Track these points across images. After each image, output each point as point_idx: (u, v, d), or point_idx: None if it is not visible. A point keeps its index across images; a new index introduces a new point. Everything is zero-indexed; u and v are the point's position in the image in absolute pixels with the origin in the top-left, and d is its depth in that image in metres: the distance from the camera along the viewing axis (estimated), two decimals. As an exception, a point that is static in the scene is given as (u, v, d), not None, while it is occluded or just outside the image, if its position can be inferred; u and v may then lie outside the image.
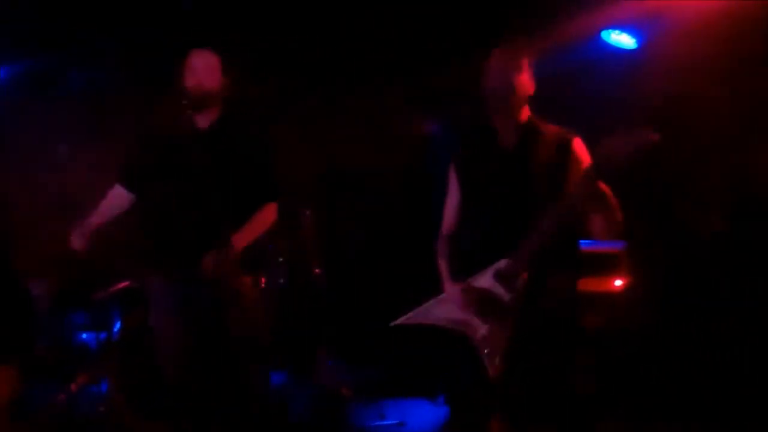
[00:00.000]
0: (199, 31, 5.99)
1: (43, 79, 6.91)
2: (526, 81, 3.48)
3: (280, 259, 5.90)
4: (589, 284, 5.35)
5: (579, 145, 3.46)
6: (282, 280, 5.89)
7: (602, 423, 3.57)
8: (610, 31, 5.88)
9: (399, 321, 3.66)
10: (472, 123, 3.72)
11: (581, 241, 3.53)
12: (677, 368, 5.21)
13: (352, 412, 5.68)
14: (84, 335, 7.02)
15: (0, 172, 6.85)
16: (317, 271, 5.99)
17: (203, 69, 4.02)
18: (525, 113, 3.53)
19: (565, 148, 3.44)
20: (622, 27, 5.84)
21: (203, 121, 4.09)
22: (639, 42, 5.83)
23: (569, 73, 5.88)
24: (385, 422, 5.64)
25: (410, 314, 3.64)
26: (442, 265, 3.65)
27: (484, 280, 3.43)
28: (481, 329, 3.44)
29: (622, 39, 5.87)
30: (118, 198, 4.26)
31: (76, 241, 4.18)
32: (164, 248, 4.09)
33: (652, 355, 5.30)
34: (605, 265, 5.49)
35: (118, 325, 6.51)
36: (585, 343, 3.59)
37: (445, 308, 3.56)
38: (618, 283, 5.53)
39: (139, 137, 4.24)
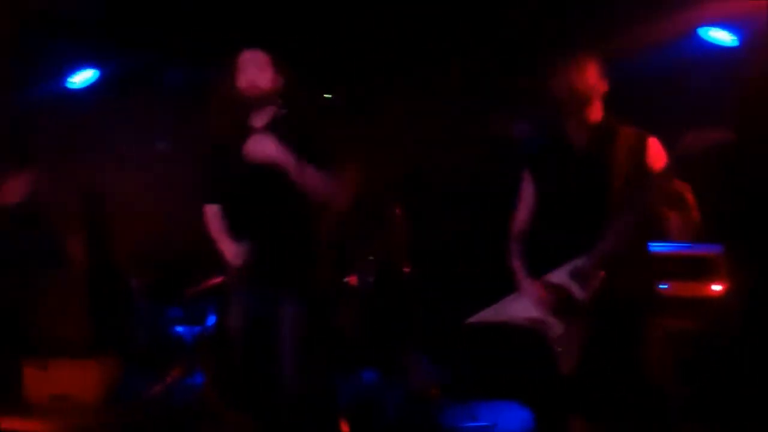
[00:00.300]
0: (283, 31, 6.08)
1: (141, 78, 7.06)
2: (597, 83, 3.47)
3: (370, 258, 5.93)
4: (686, 289, 5.26)
5: (655, 146, 3.44)
6: (371, 279, 5.91)
7: (688, 425, 3.51)
8: (708, 28, 5.76)
9: (474, 318, 3.67)
10: (547, 124, 3.70)
11: (676, 245, 3.49)
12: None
13: (443, 413, 5.67)
14: (179, 329, 7.17)
15: (100, 169, 7.05)
16: (406, 269, 6.00)
17: (254, 68, 3.93)
18: (598, 114, 3.51)
19: (641, 149, 3.41)
20: (721, 24, 5.71)
21: (259, 120, 4.00)
22: (739, 39, 5.69)
23: (666, 71, 5.79)
24: (477, 423, 5.62)
25: (485, 312, 3.65)
26: (517, 264, 3.64)
27: (560, 278, 3.43)
28: (556, 327, 3.44)
29: (721, 36, 5.74)
30: (217, 217, 4.20)
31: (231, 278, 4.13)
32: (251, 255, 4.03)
33: (750, 360, 5.19)
34: (703, 270, 5.38)
35: (212, 320, 6.64)
36: (669, 342, 3.53)
37: (520, 306, 3.57)
38: (716, 287, 5.42)
39: (206, 152, 4.18)
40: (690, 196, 3.28)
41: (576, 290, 3.38)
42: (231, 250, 4.01)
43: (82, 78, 6.69)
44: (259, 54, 3.96)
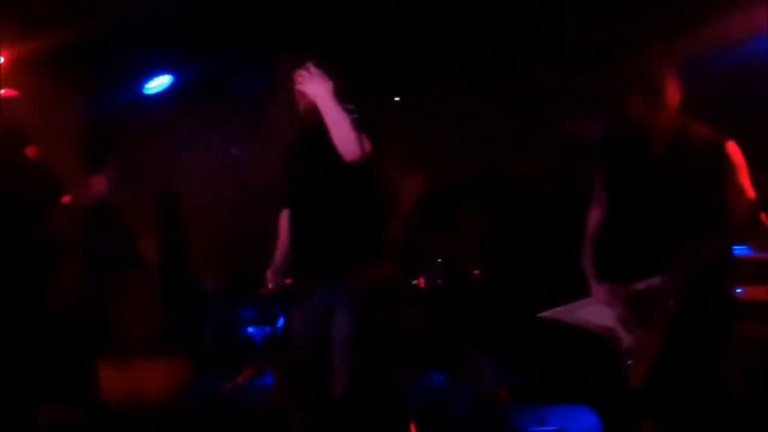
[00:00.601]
0: (354, 35, 6.13)
1: (215, 83, 7.17)
2: (675, 87, 3.44)
3: (439, 260, 5.94)
4: (761, 293, 5.18)
5: (733, 149, 3.39)
6: (440, 281, 5.93)
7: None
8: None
9: (546, 314, 3.67)
10: (622, 128, 3.68)
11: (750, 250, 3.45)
12: None
13: (511, 416, 5.66)
14: (250, 329, 7.26)
15: (174, 171, 7.18)
16: (476, 272, 6.00)
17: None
18: (674, 117, 3.48)
19: (718, 153, 3.37)
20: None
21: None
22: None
23: (740, 71, 5.71)
24: (546, 428, 5.60)
25: (558, 310, 3.65)
26: (588, 267, 3.63)
27: (638, 290, 3.40)
28: (627, 339, 3.42)
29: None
30: (284, 222, 4.32)
31: (273, 282, 4.28)
32: (303, 257, 4.13)
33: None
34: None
35: (281, 321, 6.71)
36: (745, 351, 3.50)
37: (592, 311, 3.55)
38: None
39: (281, 158, 4.27)
40: None
41: (651, 306, 3.37)
42: (278, 267, 4.24)
43: (158, 84, 6.81)
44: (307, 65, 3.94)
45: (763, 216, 3.18)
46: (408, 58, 6.74)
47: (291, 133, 4.15)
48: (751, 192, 3.33)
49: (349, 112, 3.97)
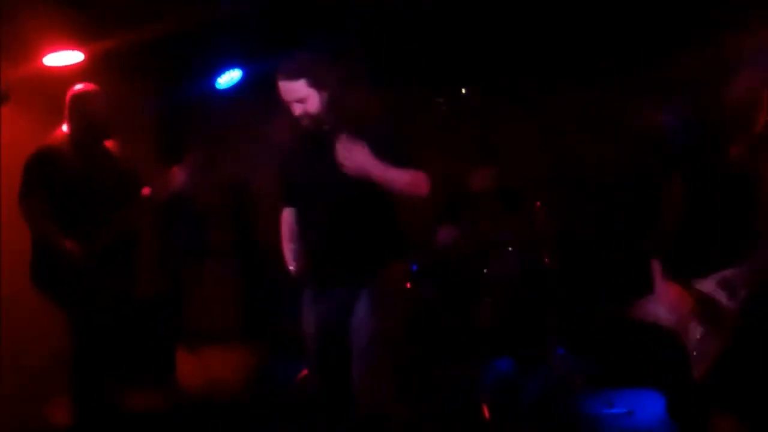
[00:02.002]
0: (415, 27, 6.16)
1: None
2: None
3: (510, 249, 5.97)
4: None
5: None
6: (511, 268, 5.97)
7: None
8: None
9: (616, 312, 3.69)
10: (701, 122, 3.66)
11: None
12: None
13: (581, 401, 5.68)
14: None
15: (245, 163, 7.30)
16: (547, 260, 6.03)
17: (295, 101, 3.89)
18: (761, 124, 3.44)
19: None
20: None
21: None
22: None
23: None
24: (614, 411, 5.62)
25: (629, 306, 3.67)
26: (656, 265, 3.64)
27: (707, 285, 3.43)
28: (695, 332, 3.43)
29: None
30: (288, 221, 4.35)
31: (293, 269, 4.27)
32: (316, 259, 4.09)
33: None
34: None
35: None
36: None
37: (662, 305, 3.56)
38: None
39: (285, 157, 4.22)
40: None
41: (721, 298, 3.38)
42: (289, 255, 4.22)
43: (229, 78, 6.94)
44: (292, 84, 3.87)
45: None
46: (477, 48, 6.76)
47: (301, 133, 4.02)
48: None
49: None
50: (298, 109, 3.90)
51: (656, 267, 3.64)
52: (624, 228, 5.95)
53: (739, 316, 3.34)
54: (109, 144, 4.97)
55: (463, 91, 7.18)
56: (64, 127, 4.83)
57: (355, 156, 3.64)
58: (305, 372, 6.36)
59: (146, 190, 4.93)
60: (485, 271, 5.96)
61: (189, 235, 7.29)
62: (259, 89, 7.27)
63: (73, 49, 5.55)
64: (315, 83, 3.86)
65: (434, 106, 6.16)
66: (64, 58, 5.54)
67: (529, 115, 7.25)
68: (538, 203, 6.09)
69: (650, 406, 5.44)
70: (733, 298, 3.35)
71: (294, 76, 3.86)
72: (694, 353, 3.43)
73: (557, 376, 5.66)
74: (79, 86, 4.88)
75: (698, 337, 3.43)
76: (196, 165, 5.04)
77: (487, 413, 5.45)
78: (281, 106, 3.98)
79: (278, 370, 6.49)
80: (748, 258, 3.30)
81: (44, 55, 5.48)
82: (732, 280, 3.35)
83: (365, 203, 3.89)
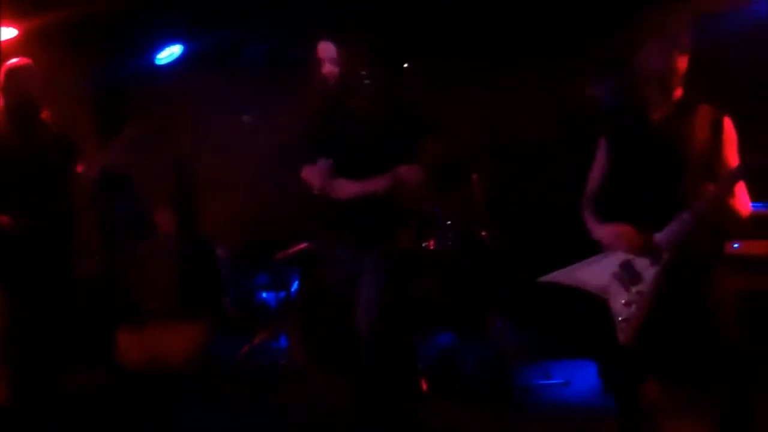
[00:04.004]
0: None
1: (227, 52, 7.23)
2: (684, 61, 3.50)
3: (448, 222, 6.02)
4: (757, 247, 5.24)
5: (729, 124, 3.47)
6: (450, 243, 6.01)
7: (759, 385, 3.53)
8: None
9: (545, 278, 3.75)
10: (626, 93, 3.74)
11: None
12: None
13: (519, 372, 5.76)
14: (264, 294, 7.37)
15: (188, 139, 7.27)
16: (484, 233, 6.08)
17: (328, 60, 4.24)
18: (679, 90, 3.55)
19: (718, 126, 3.45)
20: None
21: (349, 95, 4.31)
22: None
23: (727, 41, 5.72)
24: (550, 381, 5.71)
25: (556, 273, 3.73)
26: (590, 220, 3.71)
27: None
28: (620, 297, 3.50)
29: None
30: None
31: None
32: (337, 217, 4.31)
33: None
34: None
35: (296, 285, 6.82)
36: (739, 301, 3.56)
37: (589, 273, 3.63)
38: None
39: (308, 116, 4.48)
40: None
41: (645, 264, 3.45)
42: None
43: (169, 53, 6.90)
44: (328, 45, 4.24)
45: (740, 186, 3.31)
46: (416, 23, 6.78)
47: (319, 101, 4.35)
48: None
49: (362, 78, 4.17)
50: (327, 70, 4.25)
51: (591, 221, 3.70)
52: (562, 198, 6.02)
53: (661, 280, 3.41)
54: (45, 118, 4.92)
55: (405, 65, 7.21)
56: (-1, 102, 4.79)
57: (348, 189, 4.18)
58: (246, 348, 6.41)
59: (81, 166, 4.89)
60: (424, 244, 5.99)
61: (129, 212, 7.24)
62: (200, 65, 7.31)
63: (7, 25, 5.48)
64: (347, 49, 4.26)
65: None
66: (-1, 33, 5.48)
67: (468, 89, 7.29)
68: (475, 176, 6.13)
69: (586, 376, 5.54)
70: (657, 262, 3.42)
71: (331, 38, 4.26)
72: (619, 319, 3.50)
73: (495, 348, 5.72)
74: (13, 61, 4.84)
75: (622, 302, 3.50)
76: (133, 140, 5.01)
77: (425, 386, 5.51)
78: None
79: (220, 347, 6.50)
80: (671, 222, 3.38)
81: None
82: (655, 244, 3.42)
83: (379, 169, 4.21)
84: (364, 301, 4.19)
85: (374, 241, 4.22)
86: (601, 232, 3.63)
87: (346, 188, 4.19)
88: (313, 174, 4.26)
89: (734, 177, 3.32)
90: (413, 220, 4.34)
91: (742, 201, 3.45)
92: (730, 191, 3.35)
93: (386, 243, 4.24)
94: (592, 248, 3.72)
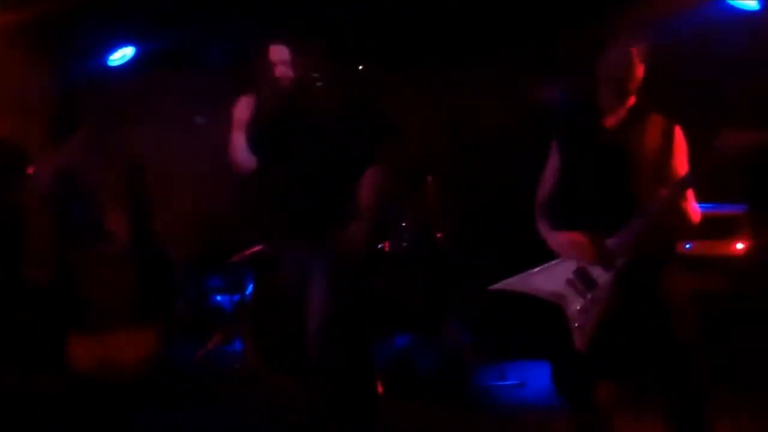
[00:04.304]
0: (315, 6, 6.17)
1: (180, 54, 7.18)
2: (641, 70, 3.53)
3: (403, 224, 6.03)
4: (709, 247, 5.33)
5: (680, 133, 3.52)
6: (405, 245, 6.02)
7: (714, 384, 3.58)
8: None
9: (498, 286, 3.76)
10: (580, 97, 3.77)
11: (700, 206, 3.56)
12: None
13: (474, 373, 5.79)
14: (219, 298, 7.34)
15: (140, 143, 7.21)
16: (439, 235, 6.09)
17: (281, 63, 4.20)
18: (633, 98, 3.58)
19: (669, 135, 3.50)
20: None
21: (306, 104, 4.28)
22: (762, 3, 5.72)
23: (691, 35, 5.81)
24: (506, 382, 5.75)
25: (509, 280, 3.74)
26: (544, 228, 3.72)
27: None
28: (575, 303, 3.53)
29: (745, 0, 5.79)
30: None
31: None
32: (287, 220, 4.30)
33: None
34: (726, 229, 5.45)
35: (250, 288, 6.80)
36: (693, 301, 3.60)
37: (543, 279, 3.65)
38: (739, 246, 5.50)
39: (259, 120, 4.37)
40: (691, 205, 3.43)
41: (598, 270, 3.48)
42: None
43: (121, 55, 6.84)
44: (281, 48, 4.20)
45: (689, 192, 3.37)
46: (371, 25, 6.79)
47: (270, 103, 4.28)
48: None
49: (318, 78, 4.15)
50: (281, 71, 4.21)
51: (544, 229, 3.73)
52: (513, 201, 6.06)
53: (616, 285, 3.45)
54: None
55: (360, 67, 7.21)
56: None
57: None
58: (201, 352, 6.38)
59: (32, 168, 4.83)
60: (378, 246, 5.99)
61: (82, 216, 7.16)
62: (153, 67, 7.26)
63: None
64: (301, 51, 4.24)
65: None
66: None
67: (422, 92, 7.31)
68: (430, 178, 6.15)
69: (541, 377, 5.57)
70: (610, 268, 3.46)
71: (284, 41, 4.23)
72: (575, 325, 3.53)
73: (450, 350, 5.74)
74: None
75: (578, 308, 3.53)
76: (86, 143, 4.95)
77: (380, 387, 5.51)
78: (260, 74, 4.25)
79: (174, 352, 6.47)
80: (623, 228, 3.42)
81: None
82: (608, 250, 3.46)
83: (327, 171, 4.20)
84: (314, 303, 4.17)
85: (326, 242, 4.19)
86: (555, 240, 3.65)
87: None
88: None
89: (685, 183, 3.37)
90: (368, 218, 4.30)
91: (692, 206, 3.49)
92: (680, 196, 3.39)
93: (335, 243, 4.20)
94: (547, 250, 3.75)
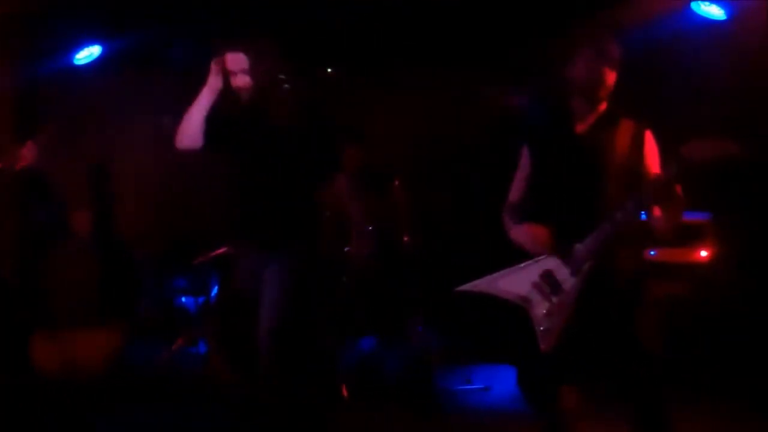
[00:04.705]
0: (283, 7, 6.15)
1: (145, 54, 7.14)
2: (612, 74, 3.51)
3: (369, 228, 6.02)
4: (673, 254, 5.37)
5: (650, 138, 3.52)
6: (371, 248, 6.00)
7: (676, 389, 3.61)
8: (700, 1, 5.85)
9: (464, 288, 3.75)
10: (551, 102, 3.77)
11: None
12: (761, 339, 5.21)
13: (440, 377, 5.79)
14: (183, 299, 7.30)
15: (104, 143, 7.17)
16: (406, 239, 6.10)
17: (240, 72, 4.12)
18: (604, 103, 3.57)
19: (639, 139, 3.50)
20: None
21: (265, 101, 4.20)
22: (728, 13, 5.79)
23: (659, 44, 5.86)
24: (471, 386, 5.76)
25: (476, 282, 3.74)
26: (508, 223, 3.71)
27: (551, 261, 3.52)
28: (541, 307, 3.54)
29: (712, 10, 5.84)
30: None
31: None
32: (245, 222, 4.29)
33: (737, 325, 5.31)
34: (691, 236, 5.50)
35: (215, 290, 6.76)
36: (657, 307, 3.62)
37: (508, 282, 3.65)
38: (703, 253, 5.55)
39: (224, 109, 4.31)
40: (681, 199, 3.41)
41: (564, 274, 3.46)
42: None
43: (87, 54, 6.79)
44: (238, 56, 4.12)
45: (678, 188, 3.36)
46: (343, 30, 6.79)
47: (227, 106, 4.23)
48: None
49: (281, 82, 4.12)
50: (240, 80, 4.12)
51: (509, 226, 3.73)
52: (479, 205, 6.08)
53: (582, 289, 3.46)
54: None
55: (329, 70, 7.21)
56: None
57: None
58: (165, 354, 6.33)
59: (-4, 167, 4.77)
60: (345, 249, 5.98)
61: (45, 215, 7.10)
62: (119, 66, 7.21)
63: None
64: (260, 57, 4.13)
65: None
66: None
67: (390, 96, 7.33)
68: (397, 181, 6.15)
69: (507, 381, 5.59)
70: (577, 272, 3.47)
71: (241, 49, 4.12)
72: (541, 328, 3.53)
73: (416, 353, 5.75)
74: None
75: (543, 312, 3.54)
76: (49, 141, 4.90)
77: (345, 391, 5.50)
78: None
79: (138, 351, 6.42)
80: (592, 232, 3.42)
81: None
82: (576, 254, 3.47)
83: (288, 176, 4.15)
84: (265, 305, 4.15)
85: (281, 246, 4.17)
86: (516, 232, 3.66)
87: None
88: None
89: (655, 186, 3.37)
90: (327, 224, 4.30)
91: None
92: (649, 201, 3.40)
93: (292, 248, 4.18)
94: (514, 253, 3.75)
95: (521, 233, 3.63)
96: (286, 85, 4.19)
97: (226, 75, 4.16)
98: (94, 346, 6.45)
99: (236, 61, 4.12)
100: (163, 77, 7.28)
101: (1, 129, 6.44)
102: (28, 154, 4.82)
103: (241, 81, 4.13)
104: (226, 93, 4.19)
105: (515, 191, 3.78)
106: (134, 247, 7.32)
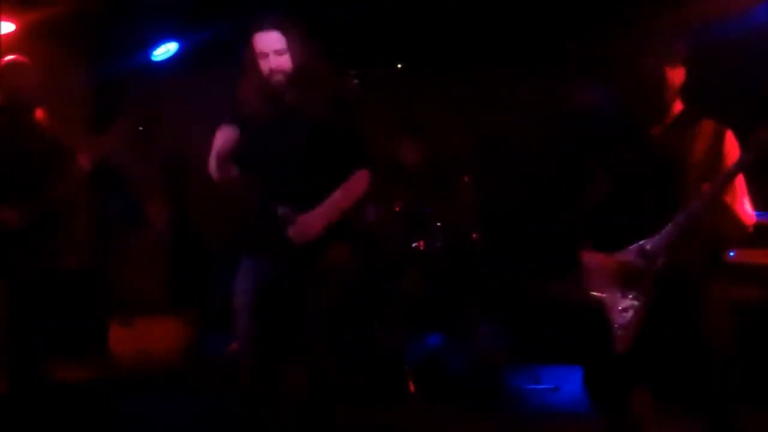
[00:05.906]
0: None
1: (223, 50, 7.21)
2: (679, 74, 3.48)
3: (438, 224, 6.03)
4: (753, 256, 5.26)
5: (731, 140, 3.45)
6: (439, 244, 6.02)
7: (751, 395, 3.54)
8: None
9: (542, 287, 3.75)
10: (617, 110, 3.71)
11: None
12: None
13: (508, 375, 5.79)
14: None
15: (180, 137, 7.28)
16: (474, 235, 6.09)
17: (274, 53, 3.73)
18: (678, 104, 3.53)
19: (719, 140, 3.43)
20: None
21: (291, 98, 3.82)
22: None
23: (723, 47, 5.76)
24: (540, 386, 5.73)
25: (555, 282, 3.73)
26: (582, 239, 3.69)
27: (627, 256, 3.49)
28: (619, 303, 3.51)
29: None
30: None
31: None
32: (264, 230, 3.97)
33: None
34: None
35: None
36: (733, 311, 3.55)
37: (586, 279, 3.64)
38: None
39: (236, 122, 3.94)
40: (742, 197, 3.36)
41: (642, 270, 3.44)
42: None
43: (165, 50, 6.90)
44: (273, 35, 3.73)
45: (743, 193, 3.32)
46: (409, 25, 6.79)
47: (260, 106, 3.84)
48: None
49: (351, 76, 3.91)
50: (274, 62, 3.73)
51: (583, 241, 3.70)
52: (548, 205, 6.04)
53: (655, 286, 3.42)
54: (38, 115, 4.92)
55: (399, 66, 7.23)
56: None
57: (310, 228, 3.71)
58: (235, 344, 6.41)
59: (77, 160, 4.88)
60: (413, 245, 6.00)
61: (120, 206, 7.25)
62: (196, 62, 7.30)
63: (5, 20, 5.48)
64: (292, 39, 3.74)
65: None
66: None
67: (456, 93, 7.32)
68: (466, 178, 6.14)
69: (576, 382, 5.55)
70: (651, 267, 3.42)
71: (274, 27, 3.72)
72: (616, 326, 3.49)
73: (481, 350, 5.74)
74: (9, 58, 4.85)
75: (620, 309, 3.49)
76: (125, 133, 5.00)
77: (412, 386, 5.53)
78: (248, 68, 3.83)
79: (209, 341, 6.52)
80: (665, 228, 3.38)
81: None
82: (650, 250, 3.43)
83: (320, 180, 3.81)
84: (307, 324, 3.87)
85: (306, 259, 3.80)
86: (583, 258, 3.63)
87: (312, 224, 3.74)
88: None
89: (729, 175, 3.30)
90: (348, 232, 4.06)
91: (745, 209, 3.44)
92: (724, 190, 3.33)
93: (319, 261, 3.82)
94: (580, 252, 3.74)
95: (592, 262, 3.61)
96: (356, 80, 4.04)
97: (255, 65, 3.78)
98: (167, 336, 6.59)
99: (269, 40, 3.72)
100: (238, 72, 7.35)
101: (80, 125, 6.58)
102: (103, 146, 4.94)
103: (275, 63, 3.72)
104: (254, 81, 3.81)
105: (588, 198, 3.73)
106: (208, 238, 7.42)
